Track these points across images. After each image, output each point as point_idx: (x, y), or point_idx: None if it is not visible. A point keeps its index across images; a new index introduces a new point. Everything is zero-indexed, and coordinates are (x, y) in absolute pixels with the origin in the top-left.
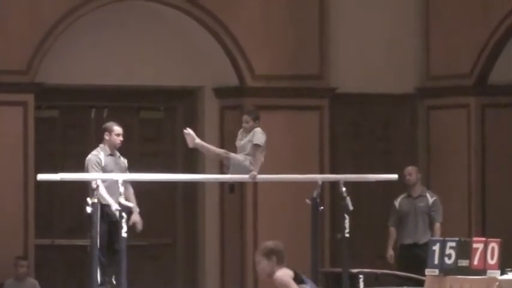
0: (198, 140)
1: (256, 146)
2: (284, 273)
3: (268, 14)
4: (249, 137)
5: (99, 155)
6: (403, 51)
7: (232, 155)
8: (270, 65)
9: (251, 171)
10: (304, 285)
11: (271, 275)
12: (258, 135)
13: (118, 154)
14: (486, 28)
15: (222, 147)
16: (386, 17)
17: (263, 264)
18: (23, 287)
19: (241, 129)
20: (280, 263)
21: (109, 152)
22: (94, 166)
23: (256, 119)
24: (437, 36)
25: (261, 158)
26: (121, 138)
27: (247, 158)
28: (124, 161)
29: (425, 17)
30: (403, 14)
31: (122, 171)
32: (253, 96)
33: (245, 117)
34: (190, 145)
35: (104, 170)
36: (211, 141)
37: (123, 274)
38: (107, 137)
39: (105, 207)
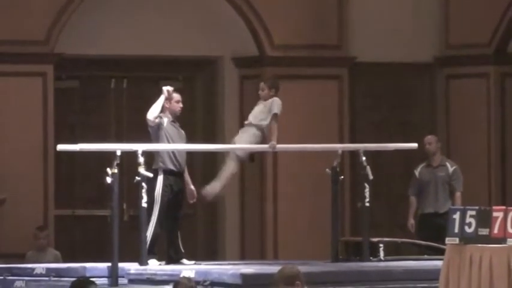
0: None
1: (274, 115)
2: None
3: None
4: (266, 105)
5: (163, 119)
6: (422, 20)
7: None
8: (289, 35)
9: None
10: None
11: None
12: (277, 104)
13: (178, 124)
14: None
15: (241, 116)
16: None
17: None
18: (45, 258)
19: (259, 101)
20: (304, 283)
21: (172, 119)
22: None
23: (272, 87)
24: (457, 5)
25: (276, 126)
26: (181, 104)
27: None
28: (183, 132)
29: None
30: None
31: (183, 141)
32: (272, 66)
33: (261, 85)
34: None
35: (168, 136)
36: (230, 110)
37: (143, 244)
38: (166, 105)
39: (169, 177)
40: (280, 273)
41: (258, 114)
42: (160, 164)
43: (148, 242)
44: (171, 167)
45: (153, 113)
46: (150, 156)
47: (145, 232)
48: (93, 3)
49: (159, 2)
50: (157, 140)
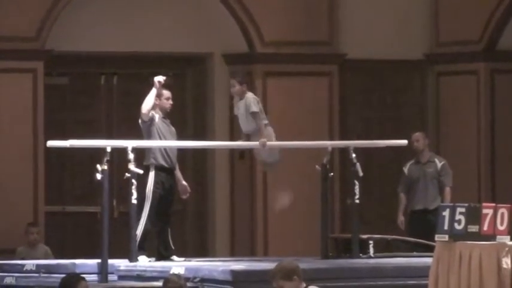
0: None
1: (253, 114)
2: None
3: None
4: (242, 105)
5: (155, 115)
6: (412, 17)
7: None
8: (279, 31)
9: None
10: None
11: None
12: (252, 102)
13: (168, 120)
14: None
15: (231, 113)
16: None
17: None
18: (35, 254)
19: (235, 97)
20: (301, 279)
21: (162, 116)
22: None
23: (243, 82)
24: (447, 2)
25: (261, 123)
26: (171, 102)
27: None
28: (173, 129)
29: None
30: None
31: (174, 138)
32: (262, 63)
33: (231, 81)
34: None
35: (159, 132)
36: (220, 107)
37: (133, 240)
38: (156, 102)
39: (160, 173)
40: (279, 266)
41: (246, 124)
42: (152, 161)
43: (138, 239)
44: (162, 163)
45: (146, 105)
46: (141, 152)
47: (136, 229)
48: None
49: None
50: (148, 136)
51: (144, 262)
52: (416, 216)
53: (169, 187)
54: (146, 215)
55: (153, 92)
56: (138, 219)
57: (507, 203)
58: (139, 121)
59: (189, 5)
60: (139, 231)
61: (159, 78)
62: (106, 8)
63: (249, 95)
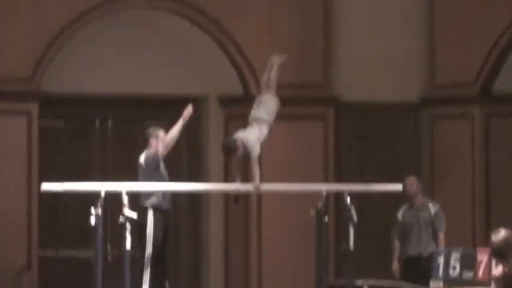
0: None
1: (253, 160)
2: None
3: (273, 23)
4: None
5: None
6: (407, 60)
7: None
8: None
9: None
10: None
11: None
12: (254, 148)
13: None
14: (489, 37)
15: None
16: (390, 26)
17: None
18: None
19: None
20: None
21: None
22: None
23: (234, 150)
24: (442, 45)
25: (257, 169)
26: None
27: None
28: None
29: (429, 25)
30: (407, 22)
31: (168, 178)
32: None
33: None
34: None
35: (163, 175)
36: (215, 150)
37: (127, 284)
38: (153, 142)
39: (161, 216)
40: None
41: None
42: (151, 202)
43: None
44: (161, 205)
45: (172, 141)
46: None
47: (129, 273)
48: (78, 42)
49: (144, 41)
50: (150, 177)
51: None
52: (411, 262)
53: (166, 231)
54: (150, 258)
55: (180, 124)
56: (139, 262)
57: None
58: (150, 160)
59: (184, 48)
60: (145, 277)
61: (190, 109)
62: (101, 50)
63: (249, 143)
